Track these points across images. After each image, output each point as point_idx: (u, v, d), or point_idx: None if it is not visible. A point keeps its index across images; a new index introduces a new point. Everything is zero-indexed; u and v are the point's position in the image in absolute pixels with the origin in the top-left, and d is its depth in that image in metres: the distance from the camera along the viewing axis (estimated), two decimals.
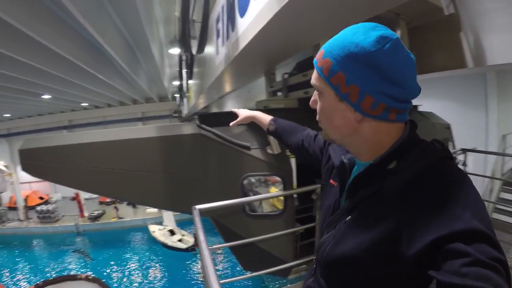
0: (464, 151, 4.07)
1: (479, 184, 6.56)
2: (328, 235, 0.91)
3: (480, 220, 0.59)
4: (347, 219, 0.84)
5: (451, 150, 4.04)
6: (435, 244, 0.59)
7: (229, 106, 10.56)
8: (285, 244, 2.48)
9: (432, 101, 7.24)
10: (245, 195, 2.31)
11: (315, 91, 0.86)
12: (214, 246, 2.18)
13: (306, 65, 3.18)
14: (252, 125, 2.46)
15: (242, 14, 2.15)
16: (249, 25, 2.02)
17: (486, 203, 5.09)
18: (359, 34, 0.71)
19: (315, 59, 0.81)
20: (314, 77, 0.82)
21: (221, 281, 1.27)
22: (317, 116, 0.87)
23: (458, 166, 0.74)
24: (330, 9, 1.62)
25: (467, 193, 0.64)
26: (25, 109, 18.48)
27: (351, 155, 0.93)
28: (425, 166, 0.70)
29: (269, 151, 2.14)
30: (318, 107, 0.85)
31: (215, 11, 3.04)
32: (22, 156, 2.41)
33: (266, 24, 1.75)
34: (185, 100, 11.10)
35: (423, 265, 0.61)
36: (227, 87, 4.47)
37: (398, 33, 3.54)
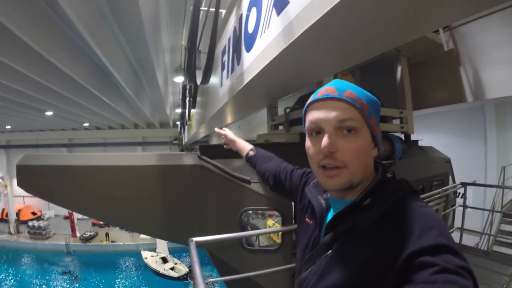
0: (464, 184, 4.06)
1: (479, 217, 6.49)
2: (308, 271, 0.94)
3: (444, 237, 0.68)
4: (328, 253, 0.88)
5: (451, 184, 4.06)
6: (408, 261, 0.66)
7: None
8: (282, 279, 2.41)
9: (431, 135, 7.33)
10: (243, 228, 2.27)
11: (329, 133, 0.82)
12: (210, 280, 2.12)
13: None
14: None
15: (248, 49, 2.19)
16: (254, 60, 2.06)
17: (486, 237, 5.02)
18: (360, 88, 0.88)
19: (347, 98, 0.82)
20: (350, 114, 0.81)
21: None
22: (341, 159, 0.82)
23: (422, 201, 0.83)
24: (336, 49, 1.65)
25: (430, 217, 0.74)
26: (26, 123, 18.58)
27: (326, 195, 1.01)
28: (395, 200, 0.80)
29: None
30: (348, 148, 0.81)
31: (221, 43, 3.11)
32: (19, 172, 2.40)
33: (271, 61, 1.77)
34: (186, 128, 11.17)
35: (401, 283, 0.66)
36: (229, 119, 4.52)
37: (399, 69, 3.64)
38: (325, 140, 0.81)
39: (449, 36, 3.70)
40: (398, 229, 0.73)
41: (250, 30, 2.14)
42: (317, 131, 0.86)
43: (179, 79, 7.58)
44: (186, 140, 12.76)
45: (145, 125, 21.42)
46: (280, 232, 2.30)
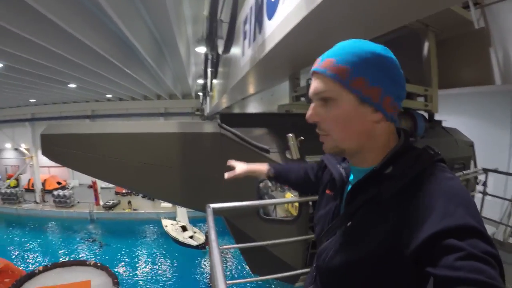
0: (486, 171, 3.94)
1: (499, 206, 6.33)
2: (328, 242, 0.92)
3: (472, 216, 0.62)
4: (348, 225, 0.86)
5: (473, 169, 3.95)
6: (430, 241, 0.61)
7: (252, 108, 10.53)
8: (296, 251, 2.45)
9: (455, 117, 7.05)
10: (260, 198, 2.31)
11: (313, 104, 0.85)
12: (225, 246, 2.18)
13: None
14: (273, 129, 2.46)
15: (270, 17, 2.15)
16: (277, 27, 2.01)
17: (504, 227, 4.93)
18: (367, 45, 0.80)
19: (320, 68, 0.82)
20: (322, 85, 0.82)
21: (228, 282, 1.27)
22: (323, 127, 0.85)
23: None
24: (359, 16, 1.60)
25: (458, 192, 0.68)
26: (50, 96, 19.03)
27: (345, 165, 0.99)
28: (419, 169, 0.74)
29: (288, 156, 2.13)
30: (327, 117, 0.83)
31: (243, 12, 3.05)
32: (43, 141, 2.49)
33: (293, 28, 1.74)
34: (208, 99, 11.19)
35: (421, 263, 0.63)
36: (251, 89, 4.48)
37: (426, 45, 3.49)
38: (308, 111, 0.86)
39: (480, 13, 3.47)
40: (421, 203, 0.68)
41: None
42: None
43: (201, 49, 7.47)
44: (208, 111, 12.80)
45: (167, 96, 21.50)
46: (297, 204, 2.32)
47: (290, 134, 2.06)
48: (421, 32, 3.52)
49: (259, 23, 2.45)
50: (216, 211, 1.96)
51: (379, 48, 0.80)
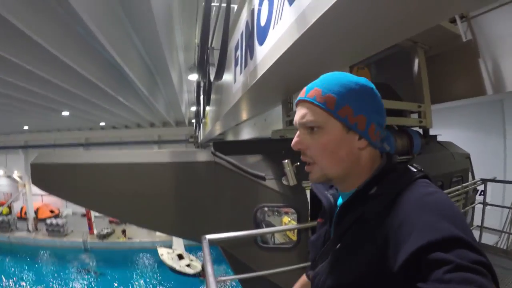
0: (484, 181, 3.93)
1: (499, 215, 6.29)
2: (321, 266, 0.93)
3: (456, 227, 0.62)
4: (337, 247, 0.86)
5: (471, 181, 3.93)
6: (416, 256, 0.60)
7: (245, 133, 10.61)
8: (298, 277, 2.36)
9: (449, 129, 7.13)
10: (258, 225, 2.24)
11: (299, 132, 0.88)
12: (222, 278, 2.09)
13: None
14: (267, 155, 2.43)
15: (261, 42, 2.16)
16: (268, 53, 2.02)
17: (505, 235, 4.86)
18: (350, 76, 0.86)
19: (308, 97, 0.85)
20: (310, 113, 0.84)
21: None
22: (309, 154, 0.87)
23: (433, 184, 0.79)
24: (350, 38, 1.61)
25: (441, 205, 0.68)
26: (43, 123, 18.93)
27: (333, 191, 1.02)
28: (401, 187, 0.76)
29: (285, 182, 2.09)
30: (313, 145, 0.85)
31: (234, 39, 3.08)
32: (33, 170, 2.45)
33: (284, 52, 1.73)
34: (201, 126, 11.24)
35: (411, 280, 0.61)
36: (244, 115, 4.49)
37: (416, 62, 3.55)
38: (294, 139, 0.89)
39: (467, 26, 3.56)
40: (404, 220, 0.68)
41: (263, 23, 2.10)
42: None
43: (193, 76, 7.59)
44: (201, 138, 12.82)
45: (160, 123, 21.52)
46: (296, 230, 2.25)
47: (286, 160, 2.02)
48: (411, 50, 3.58)
49: (250, 49, 2.46)
50: (212, 242, 1.89)
51: (361, 80, 0.85)
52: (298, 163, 1.99)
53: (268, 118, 5.31)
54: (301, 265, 2.22)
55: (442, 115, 7.13)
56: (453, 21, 3.51)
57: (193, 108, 13.19)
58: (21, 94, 9.33)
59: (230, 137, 12.38)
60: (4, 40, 5.45)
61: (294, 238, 2.37)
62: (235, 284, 13.26)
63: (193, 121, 16.21)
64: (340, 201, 0.97)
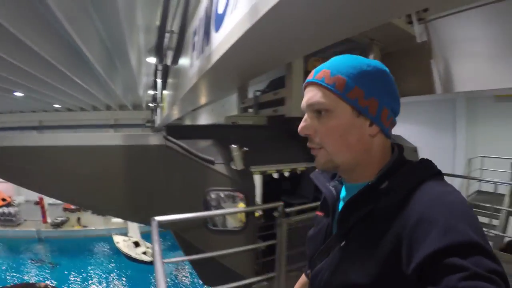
0: None
1: None
2: (322, 263, 0.87)
3: (474, 231, 0.58)
4: (342, 244, 0.81)
5: None
6: (432, 259, 0.57)
7: (203, 119, 10.49)
8: (246, 260, 2.45)
9: (400, 124, 7.48)
10: (207, 209, 2.28)
11: (306, 116, 0.81)
12: (169, 260, 2.12)
13: (278, 84, 3.25)
14: (218, 140, 2.47)
15: (217, 29, 2.18)
16: (223, 39, 2.05)
17: None
18: (361, 58, 0.79)
19: (316, 79, 0.79)
20: (318, 96, 0.78)
21: None
22: (316, 140, 0.80)
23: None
24: (301, 29, 1.67)
25: (459, 206, 0.64)
26: None
27: (335, 183, 0.94)
28: (416, 183, 0.70)
29: (233, 166, 2.15)
30: (321, 129, 0.79)
31: (193, 24, 3.06)
32: None
33: (238, 40, 1.77)
34: (158, 110, 10.96)
35: (424, 281, 0.59)
36: (201, 100, 4.47)
37: (371, 57, 3.71)
38: (300, 124, 0.82)
39: (423, 28, 3.76)
40: (421, 218, 0.63)
41: (220, 10, 2.12)
42: None
43: (152, 59, 7.34)
44: (159, 122, 12.52)
45: (117, 106, 20.78)
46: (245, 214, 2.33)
47: (234, 146, 2.08)
48: (367, 46, 3.75)
49: (207, 35, 2.47)
50: (163, 225, 1.92)
51: (374, 62, 0.79)
52: (246, 148, 2.06)
53: (226, 104, 5.33)
54: (248, 247, 2.31)
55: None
56: (410, 22, 3.69)
57: (151, 92, 12.81)
58: None
59: (188, 122, 12.20)
60: None
61: None
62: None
63: (151, 105, 15.80)
64: (343, 193, 0.90)
